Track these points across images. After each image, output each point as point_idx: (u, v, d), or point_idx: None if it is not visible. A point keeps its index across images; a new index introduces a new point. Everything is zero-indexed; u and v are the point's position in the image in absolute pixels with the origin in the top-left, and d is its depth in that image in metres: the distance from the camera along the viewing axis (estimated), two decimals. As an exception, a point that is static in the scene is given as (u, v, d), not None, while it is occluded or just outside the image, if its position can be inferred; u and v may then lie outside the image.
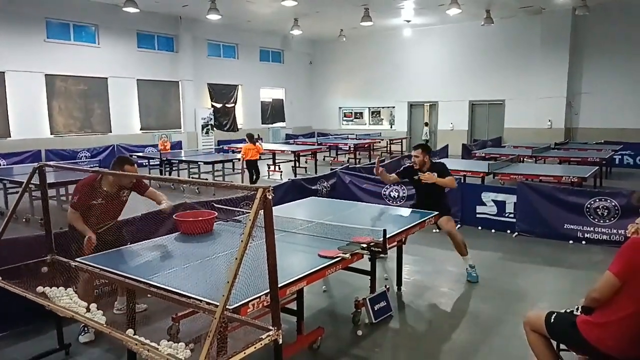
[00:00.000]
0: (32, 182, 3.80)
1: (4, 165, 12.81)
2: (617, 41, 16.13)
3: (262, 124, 21.99)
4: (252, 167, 11.34)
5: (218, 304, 2.26)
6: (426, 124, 20.59)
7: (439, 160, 5.55)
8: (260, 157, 11.96)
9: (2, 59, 13.53)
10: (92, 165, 11.16)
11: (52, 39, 14.67)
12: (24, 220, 8.07)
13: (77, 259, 3.45)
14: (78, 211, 3.95)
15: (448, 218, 5.26)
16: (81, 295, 3.22)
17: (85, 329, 3.82)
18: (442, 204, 5.33)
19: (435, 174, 5.24)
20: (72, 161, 13.35)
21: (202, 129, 18.70)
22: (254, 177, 11.26)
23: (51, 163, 7.66)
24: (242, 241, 2.29)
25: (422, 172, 5.30)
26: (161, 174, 12.62)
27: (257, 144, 11.97)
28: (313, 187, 8.05)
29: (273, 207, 2.44)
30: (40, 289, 3.17)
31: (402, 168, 5.68)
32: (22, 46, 13.90)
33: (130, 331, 2.54)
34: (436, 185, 5.24)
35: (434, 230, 6.20)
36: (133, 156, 11.68)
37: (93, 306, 2.93)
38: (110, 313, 3.82)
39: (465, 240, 5.30)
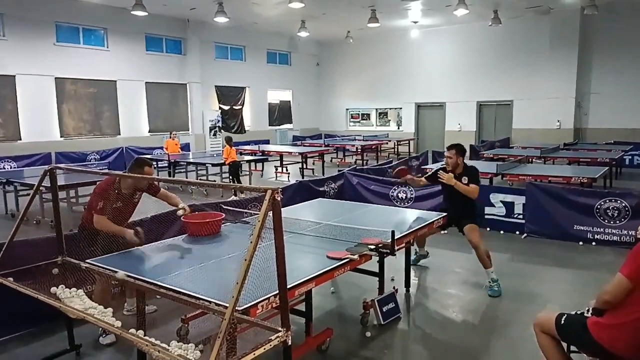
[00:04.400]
0: (42, 184, 3.84)
1: (14, 167, 12.93)
2: (626, 40, 16.00)
3: (270, 125, 22.04)
4: (236, 169, 11.32)
5: (227, 305, 2.27)
6: None
7: (473, 165, 5.33)
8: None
9: (12, 63, 13.68)
10: (101, 168, 11.23)
11: (62, 43, 14.81)
12: (34, 222, 8.14)
13: (88, 261, 3.48)
14: (105, 215, 3.95)
15: (474, 227, 4.99)
16: (98, 299, 3.24)
17: (107, 330, 3.85)
18: (466, 210, 5.09)
19: (466, 179, 5.02)
20: (82, 163, 13.47)
21: (210, 131, 18.77)
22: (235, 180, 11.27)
23: (62, 165, 7.73)
24: (251, 242, 2.30)
25: (454, 174, 5.07)
26: (169, 175, 12.70)
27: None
28: (320, 189, 8.06)
29: (281, 209, 2.45)
30: (52, 289, 3.20)
31: (432, 171, 5.43)
32: (32, 50, 14.04)
33: (140, 332, 2.56)
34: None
35: (442, 232, 6.18)
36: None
37: (101, 307, 2.95)
38: (120, 314, 3.85)
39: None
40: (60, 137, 15.05)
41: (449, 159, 5.13)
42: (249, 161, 12.45)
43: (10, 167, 13.03)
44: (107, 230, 3.91)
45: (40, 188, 3.90)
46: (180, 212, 4.26)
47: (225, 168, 12.04)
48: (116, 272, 3.08)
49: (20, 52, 13.81)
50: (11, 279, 3.38)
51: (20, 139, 14.15)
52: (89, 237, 3.91)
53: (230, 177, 11.36)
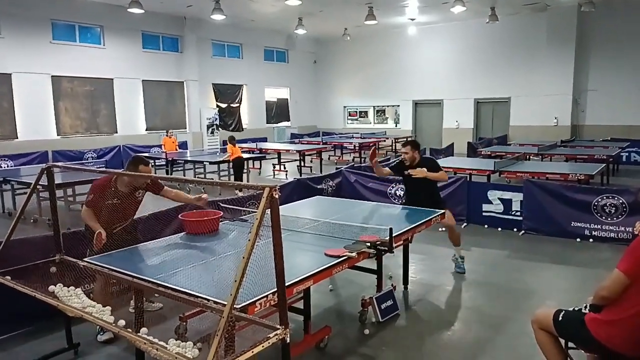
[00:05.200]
0: (40, 183, 3.82)
1: (11, 166, 12.89)
2: (623, 37, 16.03)
3: (267, 123, 22.02)
4: (239, 166, 11.39)
5: (226, 303, 2.26)
6: None
7: (429, 156, 5.60)
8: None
9: (8, 61, 13.62)
10: (98, 166, 11.21)
11: (58, 41, 14.75)
12: (31, 220, 8.12)
13: (86, 259, 3.48)
14: (91, 209, 3.97)
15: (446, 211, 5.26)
16: (98, 298, 3.24)
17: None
18: (435, 198, 5.38)
19: (425, 169, 5.26)
20: (79, 162, 13.44)
21: (208, 129, 18.74)
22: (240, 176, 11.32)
23: (59, 164, 7.71)
24: (249, 240, 2.30)
25: (412, 168, 5.33)
26: (167, 174, 12.68)
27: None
28: (318, 187, 8.06)
29: (279, 207, 2.45)
30: (50, 288, 3.19)
31: (393, 162, 5.70)
32: (28, 48, 13.98)
33: (143, 330, 2.55)
34: (427, 180, 5.25)
35: (440, 229, 6.19)
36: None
37: (99, 306, 2.95)
38: (126, 311, 3.83)
39: (471, 238, 5.29)
40: (57, 135, 15.00)
41: (406, 155, 5.43)
42: (246, 159, 12.44)
43: (7, 166, 12.99)
44: (87, 222, 3.96)
45: (38, 186, 3.88)
46: (202, 199, 4.26)
47: (224, 166, 12.06)
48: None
49: (17, 50, 13.75)
50: (9, 277, 3.37)
51: (17, 138, 14.10)
52: (92, 234, 3.91)
53: (234, 175, 11.35)
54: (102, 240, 3.78)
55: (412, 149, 5.38)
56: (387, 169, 5.66)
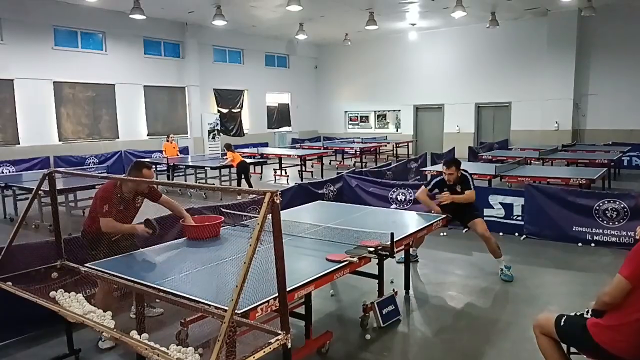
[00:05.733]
0: (41, 188, 3.83)
1: (13, 172, 12.91)
2: (624, 42, 16.04)
3: (268, 128, 22.04)
4: (245, 169, 11.40)
5: (227, 308, 2.26)
6: None
7: (466, 172, 5.56)
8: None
9: (10, 67, 13.66)
10: (100, 172, 11.22)
11: (60, 47, 14.80)
12: (33, 226, 8.13)
13: (87, 265, 3.48)
14: (110, 217, 3.93)
15: (478, 221, 5.34)
16: (99, 303, 3.23)
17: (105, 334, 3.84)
18: (471, 208, 5.39)
19: (459, 187, 5.35)
20: (81, 167, 13.46)
21: (209, 134, 18.76)
22: (246, 179, 11.35)
23: (60, 169, 7.73)
24: (250, 245, 2.30)
25: (452, 185, 5.39)
26: (168, 179, 12.70)
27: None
28: (320, 191, 8.05)
29: (280, 212, 2.45)
30: (51, 294, 3.19)
31: (431, 183, 5.62)
32: (30, 54, 14.02)
33: (144, 335, 2.55)
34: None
35: (441, 234, 6.19)
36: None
37: (100, 311, 2.95)
38: (127, 317, 3.83)
39: (472, 243, 5.28)
40: (59, 140, 15.03)
41: (450, 176, 5.39)
42: (250, 163, 12.46)
43: (9, 172, 13.00)
44: (116, 231, 3.91)
45: (39, 192, 3.89)
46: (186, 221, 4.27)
47: (225, 171, 12.07)
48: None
49: (19, 56, 13.79)
50: (10, 283, 3.37)
51: (19, 143, 14.12)
52: (91, 242, 3.91)
53: (244, 179, 11.37)
54: (149, 230, 3.82)
55: (457, 170, 5.38)
56: (429, 196, 5.57)
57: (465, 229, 5.65)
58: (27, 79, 14.04)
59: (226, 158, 11.65)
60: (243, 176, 11.43)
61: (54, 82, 14.69)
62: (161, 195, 4.35)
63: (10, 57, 13.64)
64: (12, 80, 13.82)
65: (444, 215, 4.94)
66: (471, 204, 5.43)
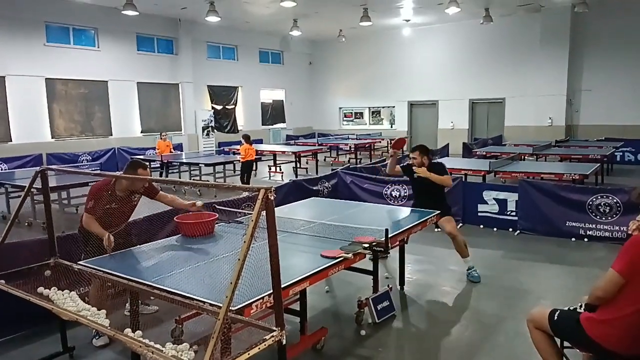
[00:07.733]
0: (34, 186, 3.80)
1: (5, 169, 12.82)
2: (617, 38, 16.11)
3: (263, 125, 21.99)
4: (249, 168, 11.35)
5: (222, 305, 2.26)
6: None
7: (439, 161, 5.54)
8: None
9: (2, 64, 13.54)
10: (93, 169, 11.16)
11: (52, 43, 14.68)
12: (26, 224, 8.08)
13: (80, 262, 3.46)
14: (93, 215, 3.92)
15: (449, 219, 5.26)
16: (94, 302, 3.22)
17: (100, 332, 3.83)
18: (442, 204, 5.32)
19: (425, 169, 5.27)
20: (73, 165, 13.38)
21: (203, 131, 18.70)
22: (247, 178, 11.28)
23: (53, 167, 7.68)
24: (244, 242, 2.29)
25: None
26: (161, 176, 12.65)
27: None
28: (314, 188, 8.06)
29: (275, 208, 2.45)
30: (45, 292, 3.18)
31: (405, 163, 5.68)
32: (22, 50, 13.90)
33: (138, 333, 2.54)
34: (434, 184, 5.26)
35: (436, 230, 6.20)
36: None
37: (94, 309, 2.93)
38: (121, 314, 3.82)
39: (467, 239, 5.30)
40: (52, 138, 14.92)
41: (414, 160, 5.38)
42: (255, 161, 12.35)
43: (1, 169, 12.92)
44: (91, 228, 3.90)
45: (32, 190, 3.87)
46: (196, 206, 4.25)
47: (219, 168, 12.02)
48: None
49: (10, 53, 13.67)
50: (3, 281, 3.36)
51: (11, 141, 14.01)
52: (85, 239, 3.89)
53: (242, 175, 11.33)
54: (112, 243, 3.74)
55: (420, 154, 5.35)
56: (399, 167, 5.61)
57: (438, 229, 5.63)
58: (19, 76, 13.92)
59: (237, 150, 11.49)
60: (244, 174, 11.38)
61: (46, 78, 14.57)
62: (159, 191, 4.33)
63: (2, 53, 13.52)
64: (4, 77, 13.70)
65: (437, 212, 4.94)
66: (443, 200, 5.42)
